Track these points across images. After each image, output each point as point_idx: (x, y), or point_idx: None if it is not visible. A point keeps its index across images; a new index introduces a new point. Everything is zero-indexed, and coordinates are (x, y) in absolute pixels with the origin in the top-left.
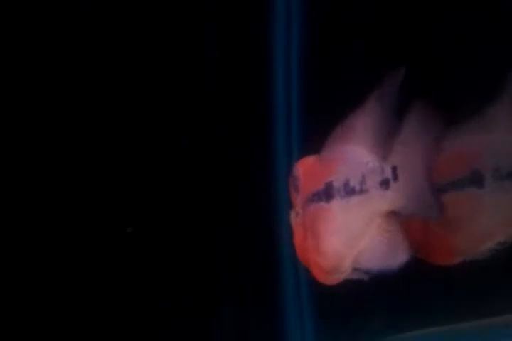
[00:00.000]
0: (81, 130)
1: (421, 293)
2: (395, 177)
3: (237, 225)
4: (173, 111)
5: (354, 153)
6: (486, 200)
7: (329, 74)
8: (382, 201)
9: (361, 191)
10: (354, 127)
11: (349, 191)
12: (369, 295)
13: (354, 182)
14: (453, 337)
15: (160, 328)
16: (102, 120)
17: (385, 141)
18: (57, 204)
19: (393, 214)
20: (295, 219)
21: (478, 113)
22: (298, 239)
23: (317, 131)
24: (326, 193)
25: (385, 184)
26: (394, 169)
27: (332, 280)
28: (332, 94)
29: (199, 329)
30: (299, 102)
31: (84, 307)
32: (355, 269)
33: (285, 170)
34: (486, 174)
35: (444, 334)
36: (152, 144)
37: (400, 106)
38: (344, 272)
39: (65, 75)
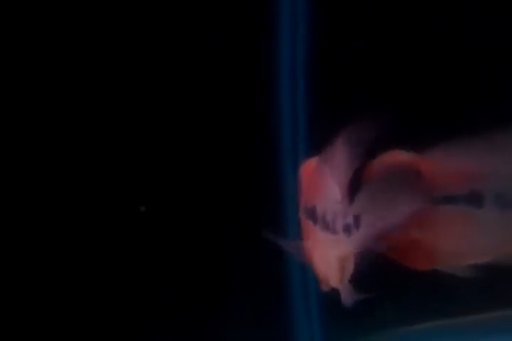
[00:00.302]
0: (86, 127)
1: (425, 290)
2: (357, 225)
3: (244, 224)
4: (176, 112)
5: (331, 190)
6: (482, 222)
7: (335, 74)
8: (344, 246)
9: (334, 231)
10: (331, 162)
11: (325, 226)
12: (373, 292)
13: (329, 219)
14: (458, 330)
15: (167, 331)
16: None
17: (354, 185)
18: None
19: (351, 260)
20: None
21: (489, 137)
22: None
23: (323, 131)
24: (312, 216)
25: (347, 230)
26: (357, 217)
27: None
28: (338, 94)
29: (206, 330)
30: (305, 101)
31: (89, 297)
32: None
33: (292, 169)
34: (487, 196)
35: (448, 328)
36: (160, 145)
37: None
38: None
39: (68, 74)
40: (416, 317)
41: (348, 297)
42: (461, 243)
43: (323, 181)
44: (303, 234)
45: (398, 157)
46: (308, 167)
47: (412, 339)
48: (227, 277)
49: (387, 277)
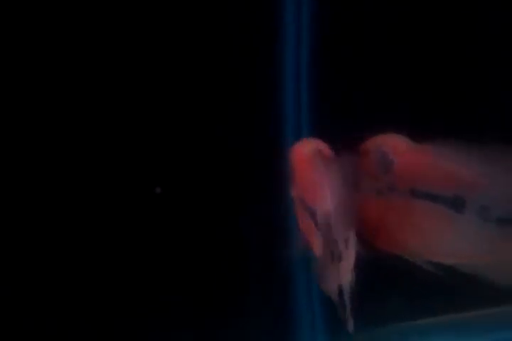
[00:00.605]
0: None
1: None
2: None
3: (246, 222)
4: (183, 114)
5: (326, 198)
6: (460, 227)
7: (340, 76)
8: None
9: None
10: (332, 166)
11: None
12: (376, 290)
13: (323, 230)
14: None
15: (167, 331)
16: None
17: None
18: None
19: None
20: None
21: (490, 149)
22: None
23: (327, 132)
24: (311, 213)
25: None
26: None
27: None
28: (342, 95)
29: (206, 330)
30: (308, 103)
31: (90, 296)
32: None
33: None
34: (472, 205)
35: (447, 325)
36: (167, 134)
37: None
38: None
39: (75, 73)
40: (415, 314)
41: (345, 303)
42: (432, 239)
43: (320, 182)
44: (301, 225)
45: (393, 141)
46: (302, 156)
47: (411, 335)
48: (228, 276)
49: (386, 275)
